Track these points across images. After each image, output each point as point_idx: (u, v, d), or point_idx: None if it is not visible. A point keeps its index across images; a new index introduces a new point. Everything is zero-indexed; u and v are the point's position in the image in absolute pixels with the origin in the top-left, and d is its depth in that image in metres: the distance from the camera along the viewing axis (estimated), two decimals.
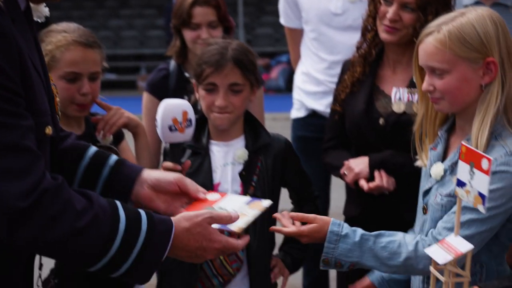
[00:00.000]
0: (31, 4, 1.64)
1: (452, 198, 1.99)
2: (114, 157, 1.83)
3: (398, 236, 2.07)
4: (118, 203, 1.55)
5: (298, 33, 3.92)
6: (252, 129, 2.52)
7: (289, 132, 3.92)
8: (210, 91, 2.44)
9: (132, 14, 17.12)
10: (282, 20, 4.03)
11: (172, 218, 1.61)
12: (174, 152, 2.09)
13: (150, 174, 1.80)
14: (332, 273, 4.11)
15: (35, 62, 1.56)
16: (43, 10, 1.72)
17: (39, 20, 1.71)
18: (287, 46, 4.27)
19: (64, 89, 2.36)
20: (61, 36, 2.39)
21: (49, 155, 1.62)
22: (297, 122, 3.95)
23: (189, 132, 2.06)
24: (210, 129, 2.51)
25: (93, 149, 1.84)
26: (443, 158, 2.11)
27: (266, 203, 1.85)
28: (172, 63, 3.25)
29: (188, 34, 3.12)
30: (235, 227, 1.69)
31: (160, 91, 3.14)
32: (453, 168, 2.03)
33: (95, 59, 2.44)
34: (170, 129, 2.01)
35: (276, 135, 2.57)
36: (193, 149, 2.48)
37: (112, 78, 14.64)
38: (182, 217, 1.62)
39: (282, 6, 3.97)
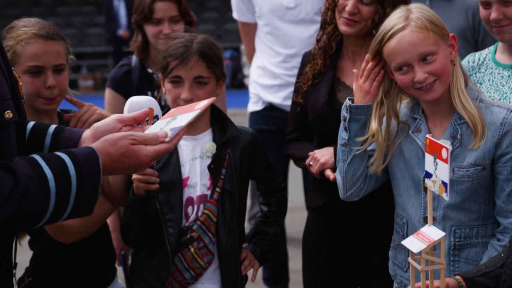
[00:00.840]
0: None
1: (478, 167, 2.16)
2: (53, 126, 1.82)
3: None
4: (39, 159, 1.52)
5: (252, 28, 3.95)
6: (219, 122, 2.52)
7: None
8: (175, 84, 2.44)
9: (70, 12, 16.81)
10: (235, 15, 4.05)
11: (95, 146, 1.61)
12: None
13: (88, 131, 1.79)
14: (292, 265, 4.17)
15: None
16: None
17: None
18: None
19: (29, 83, 2.31)
20: (21, 31, 2.34)
21: (15, 139, 1.60)
22: (254, 115, 3.98)
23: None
24: None
25: (32, 123, 1.82)
26: None
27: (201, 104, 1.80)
28: (134, 59, 3.23)
29: (150, 29, 3.11)
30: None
31: (123, 87, 3.13)
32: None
33: (58, 51, 2.38)
34: None
35: (243, 128, 2.58)
36: None
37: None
38: (106, 142, 1.62)
39: (235, 0, 3.99)
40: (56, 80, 2.35)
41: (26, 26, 2.36)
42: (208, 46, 2.46)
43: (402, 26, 2.15)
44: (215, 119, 2.53)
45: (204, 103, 1.78)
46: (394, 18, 2.20)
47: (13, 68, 1.70)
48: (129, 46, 3.26)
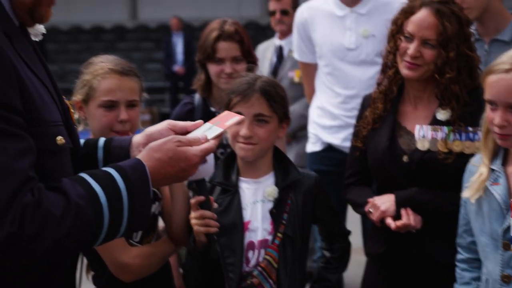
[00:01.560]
0: None
1: None
2: (102, 139, 1.85)
3: None
4: (86, 176, 1.54)
5: (312, 68, 3.96)
6: (281, 165, 2.51)
7: None
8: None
9: (130, 48, 17.21)
10: (296, 55, 4.08)
11: (141, 155, 1.63)
12: (198, 188, 2.09)
13: (138, 136, 1.80)
14: None
15: (41, 75, 1.58)
16: (39, 28, 1.75)
17: (36, 39, 1.74)
18: None
19: (103, 117, 2.40)
20: (98, 66, 2.44)
21: (71, 165, 1.64)
22: (313, 156, 3.97)
23: (205, 169, 2.00)
24: (239, 166, 2.50)
25: (81, 141, 1.84)
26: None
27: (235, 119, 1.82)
28: (197, 97, 3.28)
29: (212, 68, 3.15)
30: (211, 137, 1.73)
31: None
32: None
33: (132, 87, 2.46)
34: None
35: (306, 172, 2.57)
36: (222, 187, 2.47)
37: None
38: (151, 149, 1.64)
39: (296, 41, 4.02)
40: (128, 115, 2.42)
41: (103, 62, 2.46)
42: (271, 85, 2.46)
43: (508, 68, 2.15)
44: (278, 162, 2.52)
45: (233, 121, 1.79)
46: (507, 57, 2.20)
47: (76, 100, 1.70)
48: (192, 83, 3.31)
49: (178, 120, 3.14)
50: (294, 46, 4.08)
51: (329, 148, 3.88)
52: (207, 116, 3.17)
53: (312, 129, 3.99)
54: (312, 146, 4.00)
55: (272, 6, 4.88)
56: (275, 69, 4.81)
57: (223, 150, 2.98)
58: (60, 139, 1.55)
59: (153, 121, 14.16)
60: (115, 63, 2.46)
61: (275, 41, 4.99)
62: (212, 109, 3.19)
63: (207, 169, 2.00)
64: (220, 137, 1.75)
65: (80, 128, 2.50)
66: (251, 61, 3.17)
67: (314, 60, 3.93)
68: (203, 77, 3.23)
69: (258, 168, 2.48)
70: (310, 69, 4.00)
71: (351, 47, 3.74)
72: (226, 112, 1.83)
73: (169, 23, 14.33)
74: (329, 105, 3.84)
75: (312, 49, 3.91)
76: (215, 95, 3.20)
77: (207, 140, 1.70)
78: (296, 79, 4.63)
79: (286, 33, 4.84)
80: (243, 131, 2.40)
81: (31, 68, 1.53)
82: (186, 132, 1.77)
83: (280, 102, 2.47)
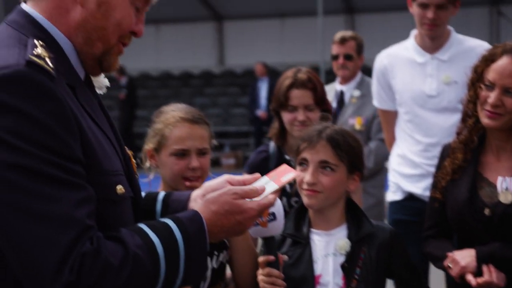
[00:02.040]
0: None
1: None
2: (162, 192, 1.86)
3: None
4: (144, 227, 1.54)
5: (392, 115, 3.89)
6: (354, 217, 2.44)
7: None
8: (302, 167, 2.41)
9: (216, 93, 17.57)
10: (375, 102, 4.02)
11: (198, 207, 1.62)
12: (266, 245, 2.06)
13: (197, 190, 1.79)
14: None
15: (103, 125, 1.61)
16: (103, 81, 1.79)
17: (100, 92, 1.78)
18: None
19: (175, 165, 2.43)
20: (170, 115, 2.48)
21: (131, 214, 1.65)
22: (393, 205, 3.88)
23: (274, 226, 2.00)
24: (310, 217, 2.46)
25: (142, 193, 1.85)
26: None
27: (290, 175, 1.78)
28: (272, 145, 3.28)
29: (286, 116, 3.16)
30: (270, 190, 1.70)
31: (260, 172, 3.16)
32: None
33: (203, 135, 2.49)
34: None
35: (380, 224, 2.49)
36: (293, 238, 2.43)
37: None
38: (207, 201, 1.63)
39: (375, 88, 3.97)
40: (199, 162, 2.45)
41: (174, 111, 2.50)
42: (340, 134, 2.41)
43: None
44: (350, 214, 2.46)
45: (288, 178, 1.76)
46: None
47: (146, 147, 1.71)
48: (269, 128, 3.33)
49: (253, 168, 3.21)
50: (374, 93, 4.02)
51: (410, 197, 3.77)
52: (282, 163, 3.16)
53: (392, 177, 3.91)
54: (392, 195, 3.90)
55: (335, 50, 4.78)
56: (335, 115, 4.66)
57: (298, 198, 2.95)
58: (120, 188, 1.57)
59: (238, 165, 14.31)
60: (186, 112, 2.49)
61: (336, 86, 4.90)
62: (287, 157, 3.18)
63: (277, 226, 1.97)
64: (278, 192, 1.72)
65: (151, 176, 2.54)
66: (326, 109, 3.15)
67: (394, 107, 3.86)
68: (277, 125, 3.24)
69: (330, 220, 2.43)
70: (390, 117, 3.92)
71: (432, 94, 3.65)
72: (283, 166, 1.81)
73: (254, 68, 14.57)
74: (410, 153, 3.75)
75: (392, 96, 3.84)
76: (289, 143, 3.19)
77: (263, 191, 1.68)
78: (358, 127, 4.54)
79: (349, 78, 4.77)
80: (307, 177, 2.36)
81: (93, 119, 1.57)
82: (243, 184, 1.75)
83: (349, 152, 2.40)
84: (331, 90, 4.87)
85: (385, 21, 15.61)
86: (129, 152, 1.77)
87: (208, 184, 1.74)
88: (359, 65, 4.79)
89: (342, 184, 2.40)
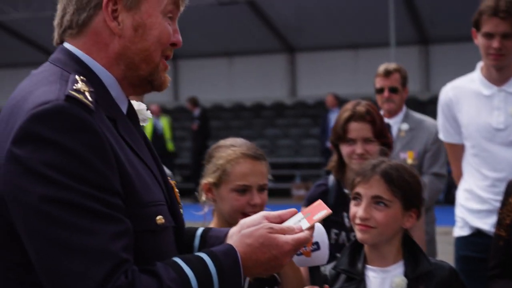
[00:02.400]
0: (136, 108, 1.76)
1: None
2: (201, 228, 1.86)
3: None
4: (179, 260, 1.53)
5: (459, 149, 3.80)
6: (411, 254, 2.38)
7: (447, 247, 3.72)
8: (355, 201, 2.38)
9: (288, 124, 17.61)
10: (441, 136, 3.93)
11: (233, 242, 1.61)
12: (311, 275, 2.02)
13: (234, 228, 1.78)
14: None
15: (144, 157, 1.62)
16: (146, 113, 1.82)
17: (143, 124, 1.81)
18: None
19: (235, 201, 2.45)
20: (231, 151, 2.49)
21: (173, 244, 1.66)
22: (460, 241, 3.76)
23: (318, 256, 1.96)
24: (366, 253, 2.41)
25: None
26: None
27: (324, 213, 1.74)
28: (331, 178, 3.26)
29: (344, 149, 3.13)
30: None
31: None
32: None
33: (263, 171, 2.51)
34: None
35: (439, 262, 2.41)
36: (347, 274, 2.39)
37: (270, 186, 14.95)
38: (243, 235, 1.62)
39: (441, 121, 3.89)
40: (260, 198, 2.46)
41: (234, 146, 2.51)
42: (397, 169, 2.37)
43: None
44: (407, 250, 2.39)
45: (320, 215, 1.72)
46: None
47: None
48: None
49: (311, 201, 3.16)
50: (439, 126, 3.94)
51: (478, 233, 3.65)
52: (341, 198, 3.13)
53: (459, 212, 3.80)
54: (459, 231, 3.79)
55: (380, 83, 4.60)
56: None
57: (346, 232, 2.91)
58: (159, 218, 1.58)
59: None
60: (247, 148, 2.51)
61: None
62: (346, 191, 3.14)
63: (321, 256, 1.95)
64: (312, 229, 1.69)
65: (205, 209, 2.56)
66: (385, 142, 3.10)
67: (460, 141, 3.76)
68: (336, 158, 3.21)
69: (385, 256, 2.37)
70: (456, 150, 3.83)
71: (499, 127, 3.55)
72: (318, 202, 1.79)
73: (326, 99, 14.55)
74: (477, 188, 3.64)
75: (458, 129, 3.75)
76: (348, 177, 3.15)
77: (301, 230, 1.66)
78: (410, 161, 4.39)
79: (395, 111, 4.62)
80: (360, 212, 2.33)
81: (134, 150, 1.59)
82: (280, 221, 1.74)
83: (405, 188, 2.35)
84: None
85: (460, 51, 15.31)
86: (172, 182, 1.79)
87: (245, 220, 1.74)
88: (404, 97, 4.65)
89: (397, 220, 2.35)
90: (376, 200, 2.34)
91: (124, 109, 1.68)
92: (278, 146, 16.63)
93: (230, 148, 2.51)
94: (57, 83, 1.51)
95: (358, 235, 2.36)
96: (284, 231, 1.64)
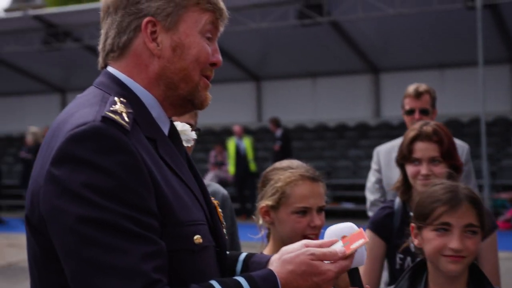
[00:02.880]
0: (180, 128, 1.77)
1: None
2: (244, 253, 1.84)
3: None
4: (215, 283, 1.52)
5: None
6: (476, 281, 2.28)
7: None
8: (442, 232, 2.25)
9: (371, 145, 17.35)
10: None
11: (274, 267, 1.58)
12: (351, 277, 1.95)
13: (276, 254, 1.74)
14: None
15: (185, 176, 1.62)
16: (191, 134, 1.81)
17: (188, 145, 1.79)
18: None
19: (296, 223, 2.44)
20: (289, 173, 2.48)
21: (214, 264, 1.65)
22: None
23: (356, 258, 1.83)
24: (428, 279, 2.31)
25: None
26: None
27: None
28: (397, 201, 3.17)
29: (409, 169, 3.05)
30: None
31: (383, 230, 3.06)
32: None
33: (321, 193, 2.50)
34: None
35: None
36: None
37: (350, 207, 14.77)
38: (284, 261, 1.60)
39: None
40: (320, 220, 2.46)
41: (292, 168, 2.50)
42: (475, 194, 2.29)
43: None
44: (472, 277, 2.29)
45: (358, 244, 1.67)
46: None
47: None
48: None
49: (376, 224, 3.10)
50: None
51: None
52: (406, 221, 3.02)
53: None
54: None
55: (410, 104, 4.42)
56: None
57: (411, 257, 2.80)
58: (197, 238, 1.57)
59: None
60: (306, 170, 2.50)
61: None
62: (411, 213, 3.03)
63: (358, 257, 1.89)
64: (352, 256, 1.64)
65: (262, 232, 2.54)
66: (454, 164, 2.98)
67: None
68: (401, 178, 3.12)
69: (454, 283, 2.27)
70: None
71: None
72: (359, 231, 1.72)
73: None
74: None
75: None
76: (414, 198, 3.04)
77: (343, 254, 1.61)
78: None
79: None
80: (454, 243, 2.20)
81: (174, 170, 1.60)
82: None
83: (487, 212, 2.29)
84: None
85: None
86: (215, 202, 1.78)
87: (286, 248, 1.71)
88: (433, 119, 4.48)
89: (479, 245, 2.28)
90: (468, 229, 2.24)
91: (165, 129, 1.70)
92: (360, 167, 16.42)
93: (288, 171, 2.49)
94: (97, 105, 1.55)
95: (448, 266, 2.24)
96: (326, 256, 1.61)
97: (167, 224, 1.51)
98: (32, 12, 15.48)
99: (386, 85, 18.07)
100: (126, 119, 1.51)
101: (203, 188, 1.73)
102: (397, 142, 4.67)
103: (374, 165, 4.63)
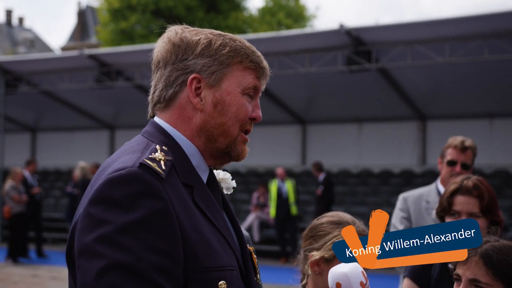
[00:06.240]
0: (222, 177, 1.85)
1: None
2: None
3: None
4: None
5: None
6: None
7: None
8: (457, 283, 2.28)
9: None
10: None
11: None
12: None
13: None
14: None
15: (218, 223, 1.67)
16: (231, 182, 1.87)
17: (227, 192, 1.84)
18: None
19: None
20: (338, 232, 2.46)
21: None
22: None
23: None
24: None
25: None
26: None
27: None
28: None
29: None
30: None
31: (422, 279, 3.04)
32: None
33: None
34: None
35: None
36: None
37: None
38: None
39: None
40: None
41: (349, 221, 2.49)
42: (500, 251, 2.22)
43: None
44: None
45: None
46: None
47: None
48: None
49: (414, 274, 3.08)
50: None
51: None
52: (445, 272, 3.00)
53: None
54: None
55: (454, 155, 4.37)
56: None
57: None
58: (222, 283, 1.61)
59: None
60: (357, 225, 2.47)
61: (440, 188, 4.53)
62: (450, 265, 3.00)
63: None
64: None
65: (303, 281, 2.53)
66: (495, 220, 2.98)
67: None
68: None
69: None
70: None
71: None
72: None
73: None
74: None
75: None
76: None
77: None
78: None
79: None
80: None
81: (207, 217, 1.66)
82: None
83: (508, 271, 2.19)
84: (431, 194, 4.54)
85: None
86: (251, 249, 1.83)
87: None
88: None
89: None
90: (473, 284, 2.22)
91: (204, 177, 1.76)
92: None
93: (344, 223, 2.48)
94: (139, 152, 1.64)
95: None
96: None
97: (188, 269, 1.56)
98: (87, 51, 15.92)
99: (433, 132, 17.92)
100: (163, 166, 1.59)
101: (239, 234, 1.78)
102: (424, 190, 4.66)
103: (401, 213, 4.59)
